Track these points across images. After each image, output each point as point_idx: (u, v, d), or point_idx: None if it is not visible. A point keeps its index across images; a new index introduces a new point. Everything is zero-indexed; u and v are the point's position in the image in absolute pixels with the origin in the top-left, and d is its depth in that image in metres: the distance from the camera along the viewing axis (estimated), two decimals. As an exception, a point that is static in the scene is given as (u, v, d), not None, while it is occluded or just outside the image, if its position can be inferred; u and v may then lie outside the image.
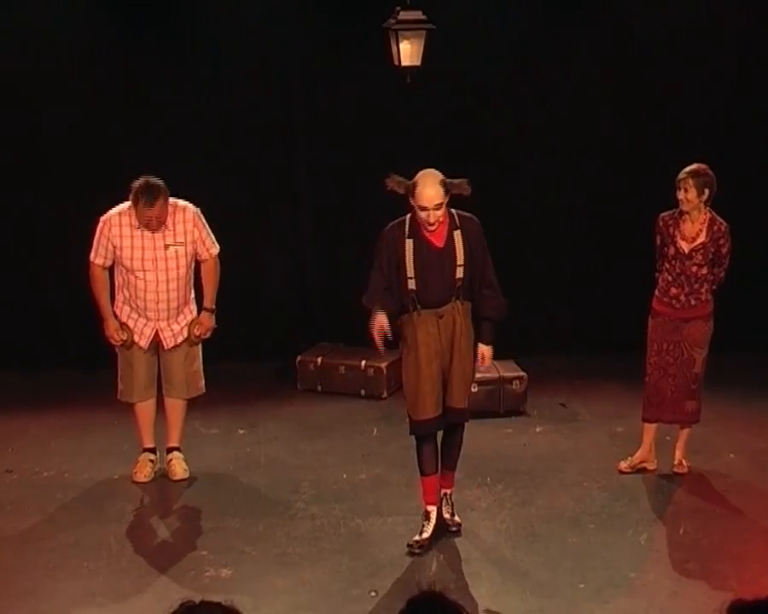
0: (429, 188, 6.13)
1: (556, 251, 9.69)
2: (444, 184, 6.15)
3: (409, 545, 6.34)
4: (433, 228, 6.20)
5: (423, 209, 6.15)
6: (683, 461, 7.28)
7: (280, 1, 9.32)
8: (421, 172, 6.22)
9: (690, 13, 9.29)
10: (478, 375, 8.49)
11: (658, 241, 7.13)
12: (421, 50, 8.38)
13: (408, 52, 8.37)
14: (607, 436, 7.99)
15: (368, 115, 9.31)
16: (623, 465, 7.31)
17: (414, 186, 6.16)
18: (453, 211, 6.33)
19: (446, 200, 6.18)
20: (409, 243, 6.24)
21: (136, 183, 6.89)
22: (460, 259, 6.25)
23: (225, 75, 9.27)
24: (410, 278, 6.22)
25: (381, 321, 6.14)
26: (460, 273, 6.25)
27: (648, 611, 5.64)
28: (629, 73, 9.39)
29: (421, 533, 6.38)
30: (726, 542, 6.33)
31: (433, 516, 6.43)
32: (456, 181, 6.21)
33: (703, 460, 7.47)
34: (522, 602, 5.69)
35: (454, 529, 6.49)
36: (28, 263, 9.40)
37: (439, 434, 6.52)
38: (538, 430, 8.25)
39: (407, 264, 6.23)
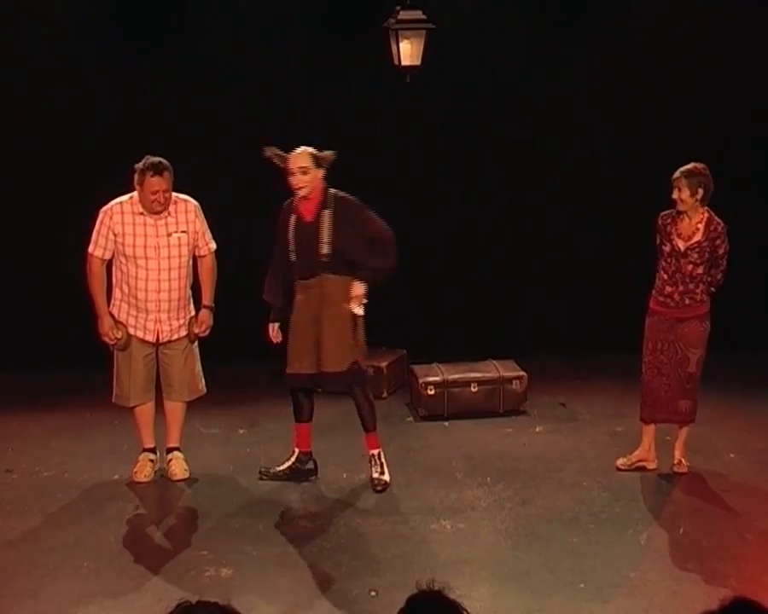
0: (296, 155, 6.82)
1: (556, 251, 9.69)
2: (312, 154, 6.82)
3: (260, 471, 7.25)
4: (301, 192, 6.82)
5: (291, 174, 6.80)
6: (683, 461, 7.27)
7: (280, 0, 9.32)
8: None
9: (690, 12, 9.29)
10: (478, 374, 8.55)
11: (658, 240, 7.14)
12: (421, 50, 8.39)
13: (408, 52, 8.38)
14: (607, 435, 7.99)
15: (368, 115, 9.31)
16: (620, 461, 7.32)
17: (287, 158, 6.83)
18: (332, 191, 6.89)
19: (317, 172, 6.80)
20: (292, 218, 6.93)
21: (141, 162, 6.92)
22: (325, 237, 6.83)
23: (225, 74, 9.27)
24: (291, 250, 6.92)
25: (273, 330, 7.11)
26: (325, 249, 6.84)
27: (648, 610, 5.63)
28: (629, 72, 9.40)
29: (280, 464, 7.25)
30: (726, 542, 6.33)
31: (294, 457, 7.24)
32: (325, 153, 6.83)
33: (703, 460, 7.47)
34: (522, 602, 5.69)
35: (379, 488, 7.04)
36: (28, 263, 9.41)
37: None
38: (537, 429, 8.25)
39: (289, 237, 6.92)
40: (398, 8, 8.37)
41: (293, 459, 7.27)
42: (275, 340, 7.13)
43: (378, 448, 7.18)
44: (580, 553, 6.23)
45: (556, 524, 6.60)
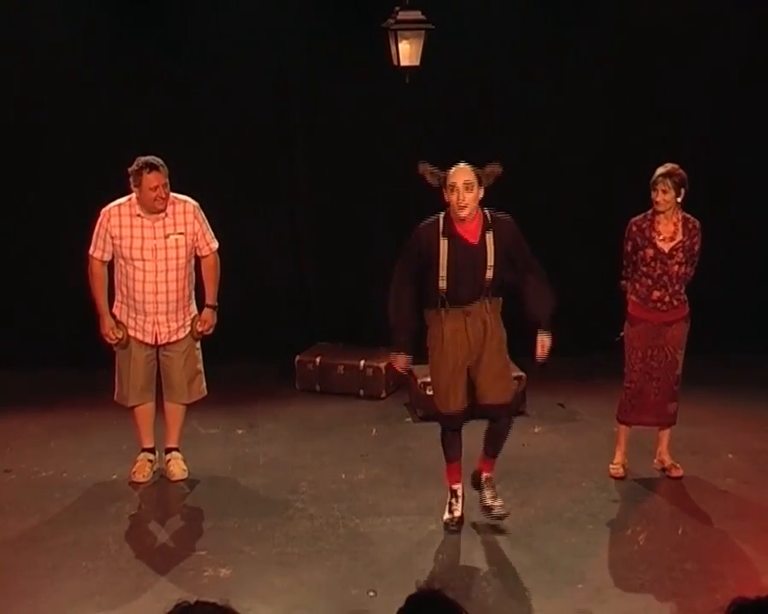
0: (460, 169, 6.22)
1: (556, 251, 9.68)
2: (475, 171, 6.23)
3: (445, 523, 6.53)
4: (463, 213, 6.18)
5: (453, 189, 6.18)
6: (676, 464, 7.25)
7: (279, 1, 9.32)
8: None
9: (689, 11, 9.29)
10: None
11: (629, 247, 7.11)
12: (421, 50, 8.39)
13: (407, 52, 8.38)
14: (605, 436, 7.97)
15: (367, 115, 9.31)
16: (612, 471, 7.30)
17: (446, 174, 6.25)
18: (487, 211, 6.35)
19: (479, 190, 6.22)
20: (443, 242, 6.25)
21: (133, 165, 6.91)
22: (490, 260, 6.26)
23: (224, 75, 9.27)
24: (442, 277, 6.25)
25: (401, 364, 6.50)
26: (489, 274, 6.28)
27: (647, 610, 5.64)
28: (628, 72, 9.40)
29: (452, 511, 6.57)
30: (726, 542, 6.33)
31: (460, 493, 6.59)
32: (486, 169, 6.27)
33: (703, 460, 7.47)
34: (522, 602, 5.69)
35: (496, 515, 6.51)
36: (27, 263, 9.40)
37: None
38: (536, 430, 8.25)
39: (440, 263, 6.24)
40: (398, 8, 8.37)
41: (460, 496, 6.61)
42: (405, 371, 6.64)
43: (492, 471, 6.63)
44: (579, 553, 6.24)
45: (555, 525, 6.61)
